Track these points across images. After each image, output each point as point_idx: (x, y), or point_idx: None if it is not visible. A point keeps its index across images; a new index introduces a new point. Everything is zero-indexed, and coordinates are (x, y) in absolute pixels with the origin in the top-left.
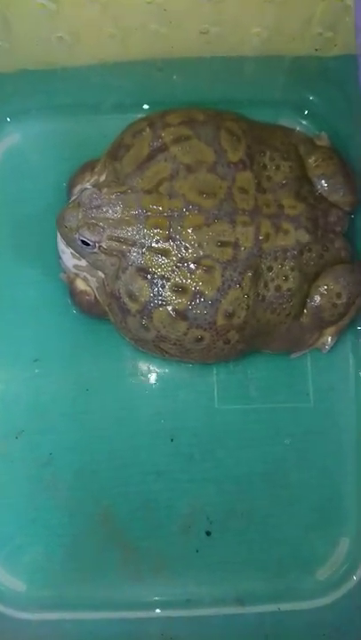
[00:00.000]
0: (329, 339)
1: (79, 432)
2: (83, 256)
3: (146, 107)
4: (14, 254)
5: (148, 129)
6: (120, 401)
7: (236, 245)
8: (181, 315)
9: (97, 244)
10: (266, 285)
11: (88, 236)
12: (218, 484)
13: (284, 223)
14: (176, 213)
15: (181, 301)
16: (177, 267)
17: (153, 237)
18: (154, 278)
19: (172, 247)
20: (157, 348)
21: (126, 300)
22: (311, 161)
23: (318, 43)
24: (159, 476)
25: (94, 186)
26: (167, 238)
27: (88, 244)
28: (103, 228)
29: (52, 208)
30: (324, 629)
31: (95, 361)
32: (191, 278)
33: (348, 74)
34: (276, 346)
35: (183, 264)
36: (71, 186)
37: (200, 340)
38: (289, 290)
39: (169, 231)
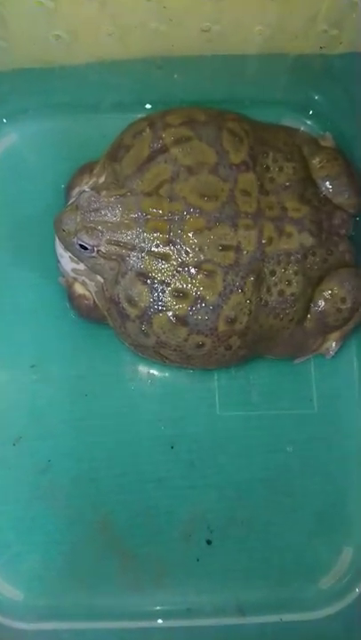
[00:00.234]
0: (333, 344)
1: (78, 438)
2: (81, 260)
3: (148, 106)
4: (12, 256)
5: (148, 129)
6: (119, 407)
7: (238, 249)
8: (182, 320)
9: (95, 249)
10: (269, 290)
11: (86, 241)
12: (219, 492)
13: (287, 226)
14: (177, 217)
15: (182, 307)
16: (177, 271)
17: (153, 241)
18: (154, 283)
19: (173, 251)
20: (157, 353)
21: (125, 305)
22: (315, 162)
23: (323, 40)
24: (159, 483)
25: (93, 188)
26: (167, 242)
27: (86, 249)
28: (102, 231)
29: (50, 209)
30: None
31: (94, 366)
32: (192, 283)
33: (354, 72)
34: (279, 351)
35: (184, 268)
36: (70, 187)
37: (201, 346)
38: (292, 294)
39: (169, 235)
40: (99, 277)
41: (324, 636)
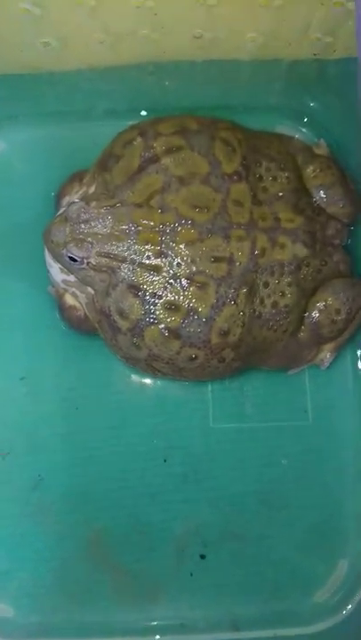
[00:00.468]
0: (328, 354)
1: (69, 453)
2: (71, 271)
3: (142, 113)
4: (1, 265)
5: (138, 138)
6: (111, 420)
7: (230, 261)
8: (174, 333)
9: (85, 261)
10: (262, 302)
11: (76, 253)
12: (213, 505)
13: (280, 237)
14: (168, 228)
15: (174, 319)
16: (169, 284)
17: (144, 253)
18: (145, 296)
19: (164, 263)
20: (149, 366)
21: (117, 317)
22: (309, 171)
23: (317, 48)
24: (152, 498)
25: (83, 198)
26: (159, 254)
27: (76, 261)
28: (92, 243)
29: (41, 218)
30: None
31: (85, 378)
32: (184, 295)
33: (350, 78)
34: (273, 362)
35: (176, 281)
36: (60, 196)
37: (194, 358)
38: (286, 306)
39: (161, 247)
40: (89, 289)
41: None
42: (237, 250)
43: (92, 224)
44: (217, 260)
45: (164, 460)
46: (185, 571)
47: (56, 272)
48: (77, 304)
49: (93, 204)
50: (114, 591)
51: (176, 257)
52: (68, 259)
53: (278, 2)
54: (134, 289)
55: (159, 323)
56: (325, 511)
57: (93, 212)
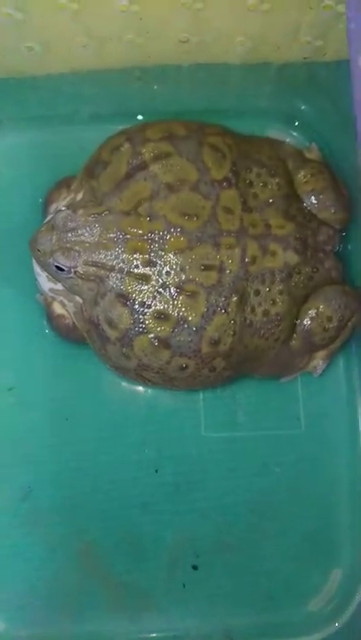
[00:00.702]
0: (320, 362)
1: (59, 463)
2: (58, 280)
3: (135, 117)
4: None
5: (126, 144)
6: (101, 430)
7: (220, 269)
8: (164, 343)
9: (72, 270)
10: (253, 310)
11: (62, 262)
12: (205, 516)
13: (271, 244)
14: (157, 236)
15: (164, 329)
16: (158, 292)
17: (133, 262)
18: (134, 305)
19: (153, 272)
20: (139, 376)
21: (105, 327)
22: (300, 176)
23: (308, 51)
24: (143, 508)
25: (70, 205)
26: (148, 263)
27: (63, 270)
28: (79, 252)
29: (29, 223)
30: None
31: (75, 388)
32: (174, 304)
33: (341, 81)
34: (265, 371)
35: (165, 290)
36: (47, 203)
37: (184, 368)
38: (277, 314)
39: (149, 255)
40: (77, 298)
41: None
42: (228, 258)
43: (79, 232)
44: (207, 268)
45: (156, 470)
46: (177, 581)
47: (44, 280)
48: (66, 313)
49: (80, 211)
50: (105, 602)
51: (165, 265)
52: (54, 268)
53: (266, 6)
54: (123, 298)
55: (149, 332)
56: (319, 520)
57: (80, 220)
